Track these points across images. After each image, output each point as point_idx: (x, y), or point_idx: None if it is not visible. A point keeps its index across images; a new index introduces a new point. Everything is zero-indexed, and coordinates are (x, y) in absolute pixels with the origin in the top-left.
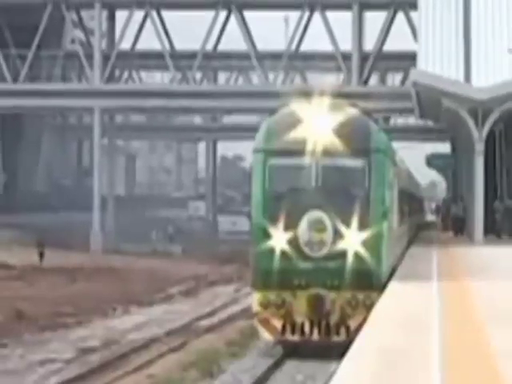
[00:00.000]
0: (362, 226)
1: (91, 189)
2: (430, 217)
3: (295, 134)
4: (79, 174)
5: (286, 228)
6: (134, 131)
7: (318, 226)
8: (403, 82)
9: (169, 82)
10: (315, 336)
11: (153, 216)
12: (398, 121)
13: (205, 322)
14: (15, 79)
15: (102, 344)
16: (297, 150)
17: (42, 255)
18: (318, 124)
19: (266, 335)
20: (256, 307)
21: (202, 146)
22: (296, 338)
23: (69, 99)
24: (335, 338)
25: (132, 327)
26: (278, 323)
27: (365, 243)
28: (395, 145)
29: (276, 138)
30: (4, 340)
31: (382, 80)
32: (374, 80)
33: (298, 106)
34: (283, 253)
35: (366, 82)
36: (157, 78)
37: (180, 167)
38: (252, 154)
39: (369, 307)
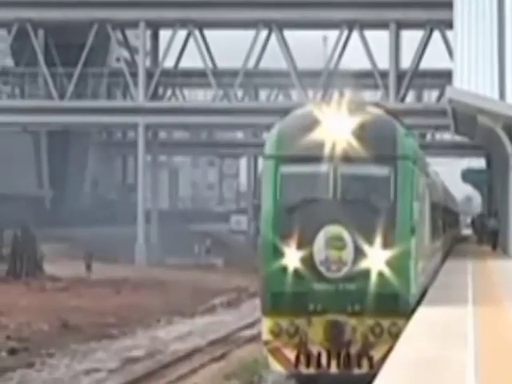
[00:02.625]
0: (387, 242)
1: (135, 203)
2: (466, 231)
3: (310, 138)
4: (124, 189)
5: (300, 245)
6: (176, 147)
7: (336, 243)
8: (439, 99)
9: (211, 100)
10: (333, 368)
11: (195, 230)
12: (435, 136)
13: (246, 333)
14: (62, 97)
15: (146, 354)
16: (312, 156)
17: (89, 267)
18: (336, 126)
19: (278, 367)
20: (266, 335)
21: (243, 162)
22: (311, 370)
23: (114, 116)
24: (356, 371)
25: (175, 338)
26: (290, 354)
27: (390, 262)
28: (431, 160)
29: (289, 143)
30: (51, 350)
31: (419, 97)
32: (410, 97)
33: (313, 107)
34: (296, 273)
35: (403, 99)
36: (199, 96)
37: (222, 182)
38: (262, 162)
39: (395, 336)
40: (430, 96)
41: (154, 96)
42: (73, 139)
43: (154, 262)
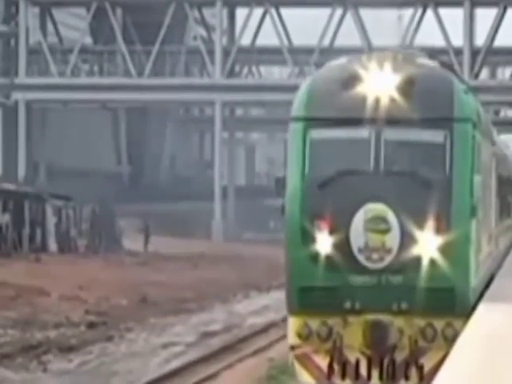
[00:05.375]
0: (442, 225)
1: (212, 179)
2: None
3: (347, 96)
4: (201, 166)
5: (334, 228)
6: (253, 124)
7: (378, 226)
8: None
9: (287, 77)
10: (374, 380)
11: (271, 205)
12: (508, 113)
13: None
14: (140, 74)
15: (223, 328)
16: (349, 118)
17: (147, 242)
18: (379, 81)
19: (307, 378)
20: (292, 338)
21: None
22: (348, 382)
23: (191, 93)
24: (403, 383)
25: (252, 312)
26: (322, 361)
27: (445, 249)
28: (505, 137)
29: (320, 102)
30: (129, 324)
31: (493, 74)
32: (484, 74)
33: (352, 59)
34: (329, 263)
35: (476, 76)
36: (275, 73)
37: None
38: (288, 126)
39: (450, 340)
40: (504, 73)
41: (231, 73)
42: (151, 116)
43: (231, 237)
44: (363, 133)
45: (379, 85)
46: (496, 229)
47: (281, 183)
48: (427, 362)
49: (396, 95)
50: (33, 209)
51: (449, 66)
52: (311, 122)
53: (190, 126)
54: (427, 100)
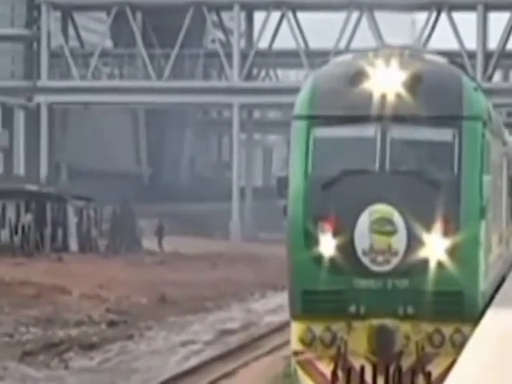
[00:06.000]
0: (450, 226)
1: (230, 180)
2: None
3: (353, 93)
4: (219, 167)
5: (338, 229)
6: (270, 126)
7: (384, 227)
8: None
9: (303, 79)
10: None
11: None
12: None
13: None
14: (159, 77)
15: (240, 326)
16: (355, 116)
17: (160, 242)
18: (386, 78)
19: None
20: (295, 344)
21: None
22: None
23: (209, 96)
24: None
25: (268, 310)
26: (326, 368)
27: (453, 252)
28: None
29: (325, 99)
30: (149, 322)
31: (506, 76)
32: (497, 77)
33: (357, 56)
34: (333, 265)
35: (490, 79)
36: (291, 76)
37: None
38: (291, 124)
39: (459, 346)
40: None
41: (249, 76)
42: (170, 118)
43: (248, 237)
44: (369, 131)
45: (385, 81)
46: (507, 230)
47: (283, 183)
48: (434, 369)
49: (403, 92)
50: (54, 209)
51: (458, 63)
52: (315, 119)
53: (208, 127)
54: (435, 97)
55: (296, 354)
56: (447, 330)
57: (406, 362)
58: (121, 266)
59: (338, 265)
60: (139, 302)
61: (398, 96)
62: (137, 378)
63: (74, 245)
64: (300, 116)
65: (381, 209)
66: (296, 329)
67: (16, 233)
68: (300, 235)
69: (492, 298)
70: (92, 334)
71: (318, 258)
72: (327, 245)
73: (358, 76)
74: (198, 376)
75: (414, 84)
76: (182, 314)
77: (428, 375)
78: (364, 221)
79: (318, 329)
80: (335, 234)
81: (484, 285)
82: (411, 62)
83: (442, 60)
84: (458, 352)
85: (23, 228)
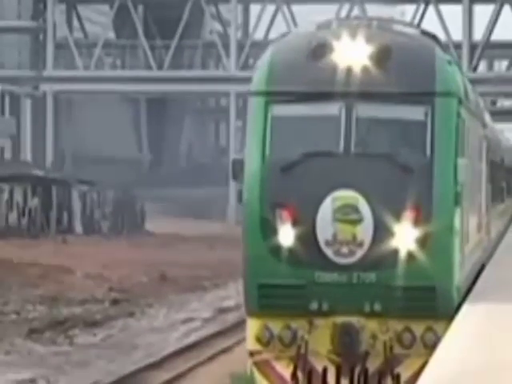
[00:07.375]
0: (421, 215)
1: (227, 166)
2: None
3: (315, 68)
4: (217, 153)
5: (298, 218)
6: None
7: (348, 215)
8: (509, 67)
9: None
10: None
11: None
12: (505, 103)
13: None
14: (160, 67)
15: (237, 304)
16: (317, 93)
17: (142, 221)
18: (351, 50)
19: None
20: (251, 343)
21: None
22: None
23: (207, 85)
24: None
25: None
26: (285, 370)
27: (425, 243)
28: (502, 127)
29: (284, 74)
30: (150, 300)
31: (490, 66)
32: (482, 67)
33: (320, 27)
34: (292, 257)
35: (475, 69)
36: None
37: None
38: (248, 101)
39: (431, 346)
40: (501, 65)
41: (245, 66)
42: (170, 106)
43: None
44: (332, 109)
45: (351, 55)
46: (487, 215)
47: (238, 166)
48: (404, 372)
49: (370, 66)
50: (60, 193)
51: (430, 34)
52: (273, 96)
53: (206, 115)
54: (405, 72)
55: (252, 354)
56: (418, 328)
57: (373, 364)
58: (123, 247)
59: (298, 256)
60: (141, 281)
61: (365, 70)
62: (139, 353)
63: (78, 227)
64: (257, 92)
65: (345, 195)
66: (252, 327)
67: (23, 216)
68: (256, 224)
69: (469, 290)
70: (95, 311)
71: (276, 249)
72: (286, 234)
73: (321, 48)
74: (198, 351)
75: (383, 57)
76: (182, 292)
77: (397, 378)
78: (326, 208)
79: (277, 327)
80: (295, 223)
81: (459, 278)
82: (379, 34)
83: (413, 31)
84: (430, 353)
85: (30, 211)
